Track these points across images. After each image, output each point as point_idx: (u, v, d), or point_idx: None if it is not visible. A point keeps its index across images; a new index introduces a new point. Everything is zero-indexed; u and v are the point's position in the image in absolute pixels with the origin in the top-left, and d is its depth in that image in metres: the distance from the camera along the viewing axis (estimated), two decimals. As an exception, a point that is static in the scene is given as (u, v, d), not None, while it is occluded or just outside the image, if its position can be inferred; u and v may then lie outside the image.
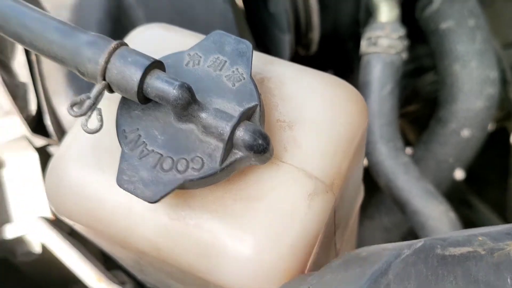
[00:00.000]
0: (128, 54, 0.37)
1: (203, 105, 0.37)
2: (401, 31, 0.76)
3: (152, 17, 0.66)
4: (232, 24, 0.69)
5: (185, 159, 0.37)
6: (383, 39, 0.75)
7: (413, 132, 1.49)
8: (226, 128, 0.36)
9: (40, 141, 0.55)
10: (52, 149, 0.58)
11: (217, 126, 0.36)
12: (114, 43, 0.37)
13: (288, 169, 0.39)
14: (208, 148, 0.37)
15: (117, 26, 0.64)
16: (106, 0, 0.63)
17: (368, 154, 0.77)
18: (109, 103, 0.41)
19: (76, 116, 0.36)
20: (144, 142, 0.38)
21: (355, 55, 0.95)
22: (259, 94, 0.39)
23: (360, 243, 1.02)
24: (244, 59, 0.40)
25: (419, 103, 1.13)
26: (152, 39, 0.46)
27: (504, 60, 1.05)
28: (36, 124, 0.56)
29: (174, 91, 0.36)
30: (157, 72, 0.37)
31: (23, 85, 0.55)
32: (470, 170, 0.94)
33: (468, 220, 1.28)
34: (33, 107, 0.55)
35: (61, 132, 0.58)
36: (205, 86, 0.39)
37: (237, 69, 0.39)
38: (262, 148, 0.36)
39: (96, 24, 0.62)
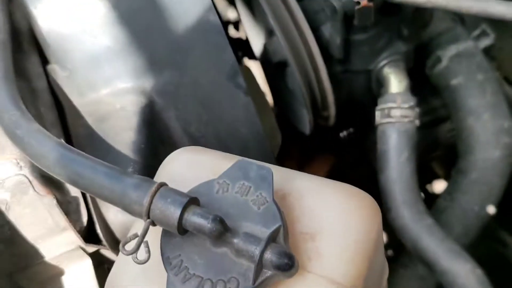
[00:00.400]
0: (168, 194, 0.43)
1: (234, 231, 0.43)
2: (412, 101, 0.81)
3: (182, 117, 0.73)
4: (254, 114, 0.76)
5: (223, 281, 0.43)
6: (396, 110, 0.81)
7: (440, 166, 1.52)
8: (255, 252, 0.42)
9: (92, 248, 0.62)
10: (103, 252, 0.65)
11: (248, 250, 0.42)
12: (155, 185, 0.44)
13: (313, 278, 0.45)
14: (242, 269, 0.43)
15: (152, 130, 0.71)
16: (141, 108, 0.70)
17: (392, 220, 0.81)
18: (152, 230, 0.47)
19: (128, 255, 0.42)
20: (186, 266, 0.44)
21: (372, 111, 1.00)
22: (282, 215, 0.44)
23: (397, 292, 1.05)
24: (266, 184, 0.46)
25: (441, 150, 1.17)
26: (188, 162, 0.53)
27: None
28: (88, 232, 0.63)
29: (209, 224, 0.42)
30: (193, 208, 0.43)
31: (75, 199, 0.62)
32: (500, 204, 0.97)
33: (502, 257, 1.29)
34: (84, 219, 0.62)
35: (110, 235, 0.65)
36: (234, 211, 0.45)
37: (260, 193, 0.45)
38: (288, 267, 0.42)
39: (134, 131, 0.69)
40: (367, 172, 1.26)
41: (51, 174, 0.48)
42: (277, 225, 0.44)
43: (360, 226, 0.47)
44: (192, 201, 0.43)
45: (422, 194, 1.79)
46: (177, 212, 0.42)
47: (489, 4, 0.69)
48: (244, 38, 1.14)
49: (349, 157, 1.19)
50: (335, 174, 1.52)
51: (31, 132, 0.49)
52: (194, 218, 0.42)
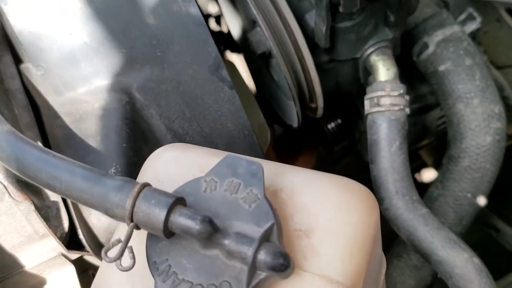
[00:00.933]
0: (152, 195, 0.41)
1: (225, 232, 0.41)
2: (402, 88, 0.79)
3: (165, 114, 0.70)
4: (240, 108, 0.73)
5: (214, 285, 0.40)
6: (385, 98, 0.78)
7: (429, 155, 1.51)
8: (248, 252, 0.39)
9: (75, 255, 0.59)
10: (87, 258, 0.62)
11: (240, 251, 0.39)
12: (137, 186, 0.41)
13: (310, 278, 0.42)
14: (234, 272, 0.40)
15: (133, 128, 0.68)
16: (121, 106, 0.67)
17: (386, 210, 0.79)
18: (137, 233, 0.44)
19: (111, 262, 0.39)
20: (174, 272, 0.41)
21: (360, 101, 0.98)
22: (274, 212, 0.42)
23: (392, 282, 1.03)
24: (257, 180, 0.43)
25: (430, 138, 1.15)
26: (172, 160, 0.50)
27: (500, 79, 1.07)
28: (70, 238, 0.60)
29: (197, 226, 0.39)
30: (179, 209, 0.40)
31: (54, 204, 0.59)
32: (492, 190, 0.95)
33: (496, 243, 1.29)
34: (65, 225, 0.59)
35: (93, 240, 0.62)
36: (223, 210, 0.42)
37: (251, 190, 0.43)
38: (283, 267, 0.39)
39: (115, 130, 0.66)
40: (356, 162, 1.25)
41: (25, 178, 0.45)
42: (270, 223, 0.41)
43: (357, 220, 0.44)
44: (178, 201, 0.41)
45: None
46: (163, 214, 0.39)
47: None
48: (226, 31, 1.11)
49: (338, 148, 1.17)
50: (324, 165, 1.50)
51: (2, 134, 0.46)
52: (181, 220, 0.40)
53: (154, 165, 0.50)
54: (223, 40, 1.14)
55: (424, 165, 1.70)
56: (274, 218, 0.41)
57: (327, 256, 0.43)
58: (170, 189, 0.44)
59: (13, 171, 0.46)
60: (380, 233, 0.53)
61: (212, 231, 0.40)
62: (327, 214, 0.44)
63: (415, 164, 1.68)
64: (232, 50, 1.18)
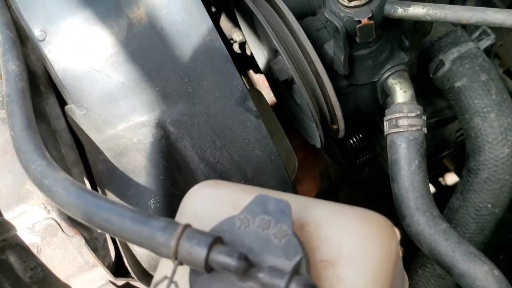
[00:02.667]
0: (193, 235, 0.46)
1: (259, 266, 0.46)
2: (419, 109, 0.83)
3: (197, 145, 0.76)
4: (266, 135, 0.79)
5: (251, 314, 0.45)
6: (403, 120, 0.82)
7: (452, 161, 1.54)
8: (281, 285, 0.44)
9: (122, 281, 0.65)
10: (133, 283, 0.67)
11: (273, 284, 0.44)
12: (180, 227, 0.46)
13: (337, 304, 0.47)
14: (269, 301, 0.45)
15: (169, 160, 0.74)
16: (157, 140, 0.73)
17: (408, 227, 0.83)
18: (180, 267, 0.50)
19: (160, 297, 0.45)
20: (215, 302, 0.47)
21: (379, 117, 1.02)
22: (302, 246, 0.47)
23: (417, 292, 1.07)
24: (285, 216, 0.48)
25: (450, 149, 1.18)
26: (208, 197, 0.55)
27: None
28: (116, 266, 0.66)
29: (234, 262, 0.44)
30: (218, 247, 0.45)
31: (101, 235, 0.65)
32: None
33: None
34: (112, 254, 0.65)
35: (138, 267, 0.67)
36: (257, 246, 0.48)
37: (281, 226, 0.48)
38: (313, 297, 0.44)
39: (153, 163, 0.72)
40: (378, 171, 1.28)
41: (80, 220, 0.51)
42: (299, 257, 0.46)
43: (378, 249, 0.49)
44: (216, 240, 0.46)
45: (434, 189, 1.82)
46: (203, 253, 0.45)
47: (488, 14, 0.71)
48: (249, 54, 1.16)
49: (360, 162, 1.21)
50: (345, 175, 1.54)
51: (58, 181, 0.52)
52: (220, 257, 0.45)
53: (192, 203, 0.55)
54: (247, 62, 1.20)
55: (447, 170, 1.73)
56: (302, 251, 0.46)
57: (352, 284, 0.47)
58: (207, 225, 0.49)
59: (68, 214, 0.52)
60: (401, 256, 0.57)
61: (248, 266, 0.45)
62: (350, 245, 0.49)
63: (438, 170, 1.71)
64: (256, 71, 1.23)
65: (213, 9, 1.21)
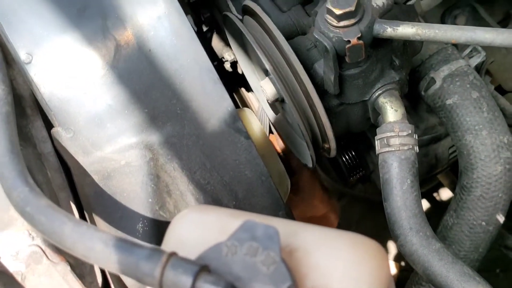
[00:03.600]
0: (178, 264, 0.45)
1: (246, 295, 0.45)
2: (410, 128, 0.82)
3: (187, 166, 0.75)
4: (256, 156, 0.78)
5: None
6: (395, 139, 0.82)
7: (446, 177, 1.53)
8: (268, 316, 0.43)
9: (109, 308, 0.64)
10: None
11: (261, 314, 0.43)
12: (164, 256, 0.45)
13: (327, 333, 0.46)
14: (257, 331, 0.44)
15: (158, 182, 0.73)
16: (146, 162, 0.72)
17: (401, 247, 0.82)
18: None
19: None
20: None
21: (371, 134, 1.01)
22: (291, 273, 0.46)
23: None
24: (274, 243, 0.47)
25: (443, 167, 1.18)
26: (195, 223, 0.54)
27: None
28: (104, 292, 0.65)
29: (221, 292, 0.43)
30: (204, 276, 0.44)
31: (88, 261, 0.63)
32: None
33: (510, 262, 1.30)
34: (99, 280, 0.63)
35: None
36: (244, 274, 0.46)
37: (268, 253, 0.47)
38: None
39: (141, 186, 0.71)
40: (373, 189, 1.28)
41: (63, 249, 0.50)
42: (287, 285, 0.45)
43: (369, 276, 0.48)
44: (202, 268, 0.45)
45: (429, 204, 1.81)
46: (189, 282, 0.44)
47: (477, 33, 0.71)
48: (240, 73, 1.16)
49: (353, 180, 1.20)
50: (339, 189, 1.54)
51: (40, 208, 0.51)
52: (206, 286, 0.44)
53: (178, 229, 0.54)
54: (239, 80, 1.19)
55: (441, 185, 1.72)
56: (291, 279, 0.45)
57: (342, 312, 0.46)
58: (194, 252, 0.48)
59: (52, 242, 0.51)
60: (392, 280, 0.56)
61: (235, 296, 0.44)
62: (340, 271, 0.48)
63: (433, 185, 1.70)
64: (248, 90, 1.23)
65: (204, 28, 1.21)
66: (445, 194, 1.87)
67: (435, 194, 1.90)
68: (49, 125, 0.75)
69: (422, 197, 1.80)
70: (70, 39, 0.71)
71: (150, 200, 0.70)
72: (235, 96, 1.30)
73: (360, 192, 1.75)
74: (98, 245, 0.47)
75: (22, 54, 0.70)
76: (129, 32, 0.72)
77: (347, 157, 1.17)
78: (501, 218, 0.98)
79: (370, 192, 1.58)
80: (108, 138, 0.72)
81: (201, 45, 0.74)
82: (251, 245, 0.48)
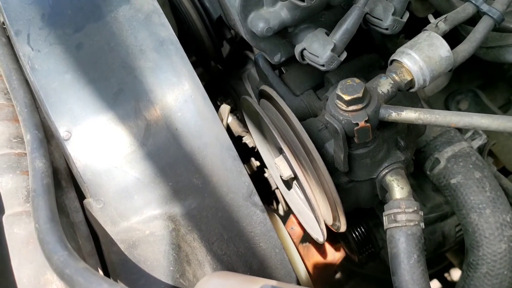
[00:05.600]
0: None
1: None
2: (416, 205, 0.87)
3: (205, 237, 0.80)
4: (271, 228, 0.84)
5: None
6: (401, 215, 0.87)
7: (455, 256, 1.55)
8: None
9: None
10: None
11: None
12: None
13: None
14: None
15: (178, 252, 0.78)
16: (168, 232, 0.77)
17: (409, 319, 0.85)
18: None
19: None
20: None
21: (380, 211, 1.06)
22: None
23: None
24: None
25: (451, 245, 1.21)
26: (217, 287, 0.59)
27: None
28: None
29: None
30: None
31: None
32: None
33: None
34: None
35: None
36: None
37: (284, 315, 0.51)
38: None
39: (163, 255, 0.76)
40: (383, 268, 1.30)
41: (97, 308, 0.54)
42: None
43: None
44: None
45: (440, 284, 1.81)
46: None
47: (474, 119, 0.78)
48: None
49: (363, 257, 1.24)
50: (349, 273, 1.56)
51: (78, 271, 0.56)
52: None
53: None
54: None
55: (452, 265, 1.74)
56: None
57: None
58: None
59: (87, 302, 0.56)
60: None
61: None
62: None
63: (443, 265, 1.72)
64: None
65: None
66: (455, 274, 1.88)
67: (446, 274, 1.90)
68: (81, 196, 0.81)
69: (433, 277, 1.81)
70: (105, 119, 0.79)
71: (172, 268, 0.75)
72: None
73: (371, 271, 1.76)
74: None
75: (62, 131, 0.78)
76: (158, 113, 0.80)
77: (357, 233, 1.21)
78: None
79: (380, 271, 1.60)
80: (135, 210, 0.78)
81: (222, 125, 0.81)
82: (269, 308, 0.52)
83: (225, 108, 1.09)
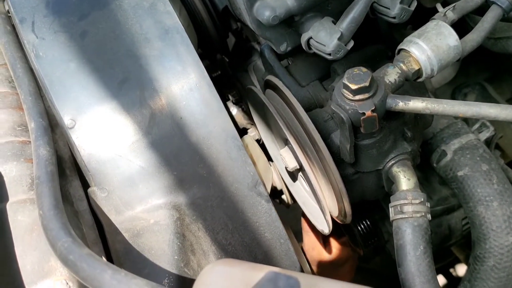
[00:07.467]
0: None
1: None
2: (422, 197, 0.87)
3: (210, 227, 0.80)
4: (276, 219, 0.83)
5: None
6: (408, 206, 0.86)
7: (461, 251, 1.54)
8: None
9: None
10: None
11: None
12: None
13: None
14: None
15: (183, 241, 0.77)
16: (173, 221, 0.77)
17: (415, 312, 0.84)
18: None
19: None
20: None
21: (386, 204, 1.05)
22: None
23: None
24: (295, 296, 0.51)
25: (457, 238, 1.20)
26: (221, 275, 0.59)
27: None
28: None
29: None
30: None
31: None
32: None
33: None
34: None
35: None
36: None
37: (290, 303, 0.51)
38: None
39: (168, 244, 0.76)
40: (388, 262, 1.30)
41: (102, 295, 0.54)
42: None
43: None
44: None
45: (445, 280, 1.80)
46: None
47: (482, 108, 0.77)
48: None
49: (368, 250, 1.23)
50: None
51: (82, 257, 0.56)
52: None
53: (206, 281, 0.58)
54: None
55: (458, 260, 1.72)
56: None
57: None
58: (220, 302, 0.52)
59: (91, 288, 0.55)
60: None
61: None
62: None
63: (449, 260, 1.71)
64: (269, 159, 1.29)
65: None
66: (461, 269, 1.87)
67: (451, 270, 1.89)
68: (85, 185, 0.81)
69: (438, 272, 1.80)
70: (110, 108, 0.79)
71: (176, 257, 0.74)
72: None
73: (376, 266, 1.75)
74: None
75: (66, 119, 0.78)
76: (163, 102, 0.79)
77: (362, 226, 1.21)
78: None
79: (386, 266, 1.60)
80: (140, 198, 0.78)
81: (227, 114, 0.81)
82: (274, 297, 0.51)
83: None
